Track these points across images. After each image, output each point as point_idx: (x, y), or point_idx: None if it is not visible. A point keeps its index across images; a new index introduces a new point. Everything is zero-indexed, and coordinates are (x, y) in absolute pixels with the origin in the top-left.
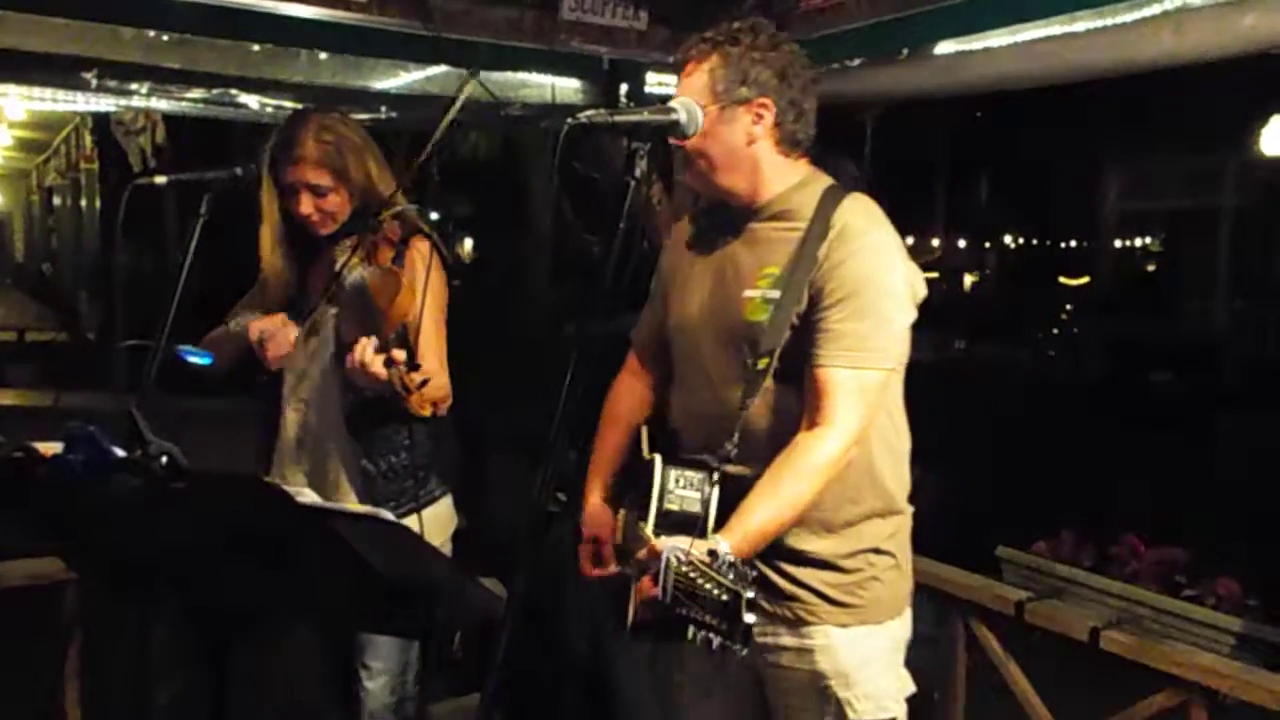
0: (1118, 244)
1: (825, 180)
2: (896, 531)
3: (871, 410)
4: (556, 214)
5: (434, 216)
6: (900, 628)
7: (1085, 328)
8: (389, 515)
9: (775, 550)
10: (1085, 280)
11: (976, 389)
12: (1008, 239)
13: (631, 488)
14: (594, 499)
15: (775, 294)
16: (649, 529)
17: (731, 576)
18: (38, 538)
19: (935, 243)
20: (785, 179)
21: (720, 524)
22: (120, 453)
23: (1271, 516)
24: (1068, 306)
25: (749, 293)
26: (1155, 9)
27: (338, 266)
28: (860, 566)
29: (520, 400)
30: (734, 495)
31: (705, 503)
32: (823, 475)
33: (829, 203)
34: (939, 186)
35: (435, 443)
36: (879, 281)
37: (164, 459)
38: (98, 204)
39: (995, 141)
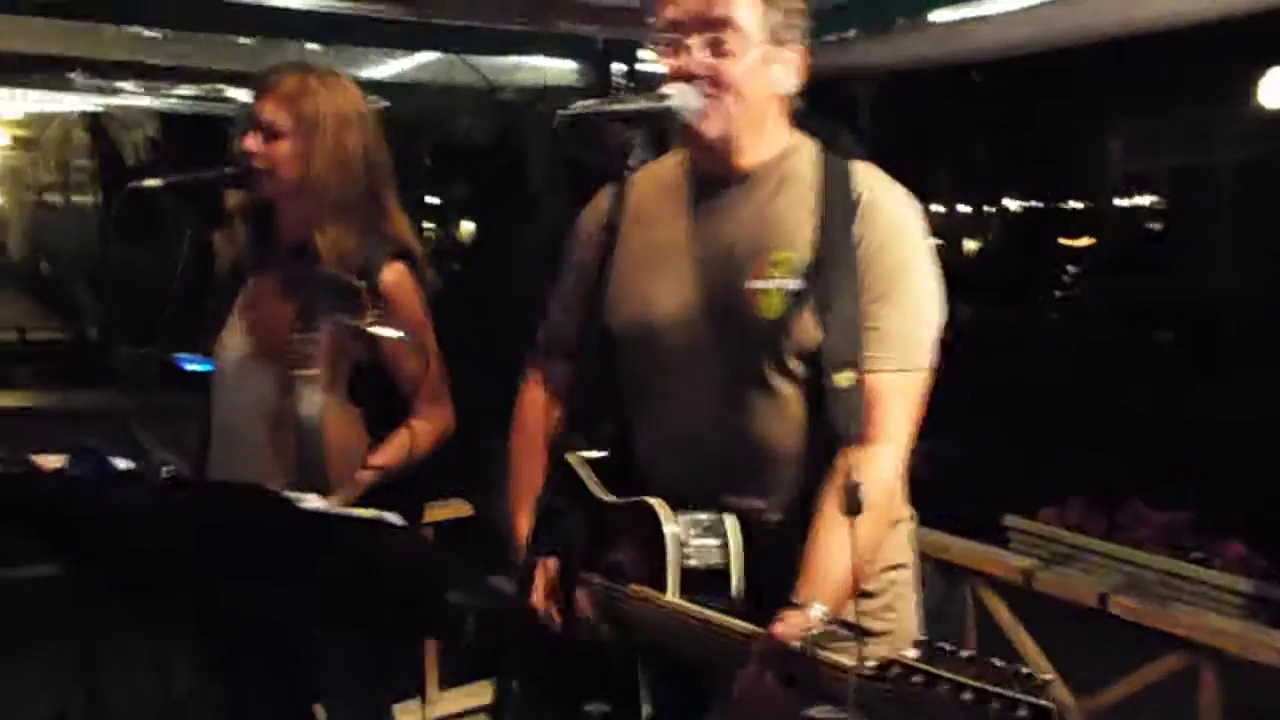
0: (1120, 203)
1: (810, 142)
2: (907, 538)
3: (919, 416)
4: (555, 196)
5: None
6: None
7: (1089, 289)
8: (396, 519)
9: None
10: (1088, 241)
11: (980, 354)
12: (1009, 202)
13: (555, 528)
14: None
15: (796, 284)
16: (670, 595)
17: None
18: (43, 553)
19: (936, 206)
20: (780, 140)
21: (749, 571)
22: (123, 465)
23: (1277, 476)
24: (1070, 268)
25: (758, 284)
26: None
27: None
28: (884, 587)
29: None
30: (757, 533)
31: (726, 549)
32: (896, 499)
33: (836, 170)
34: (939, 151)
35: None
36: (920, 267)
37: (165, 470)
38: (93, 200)
39: (994, 103)
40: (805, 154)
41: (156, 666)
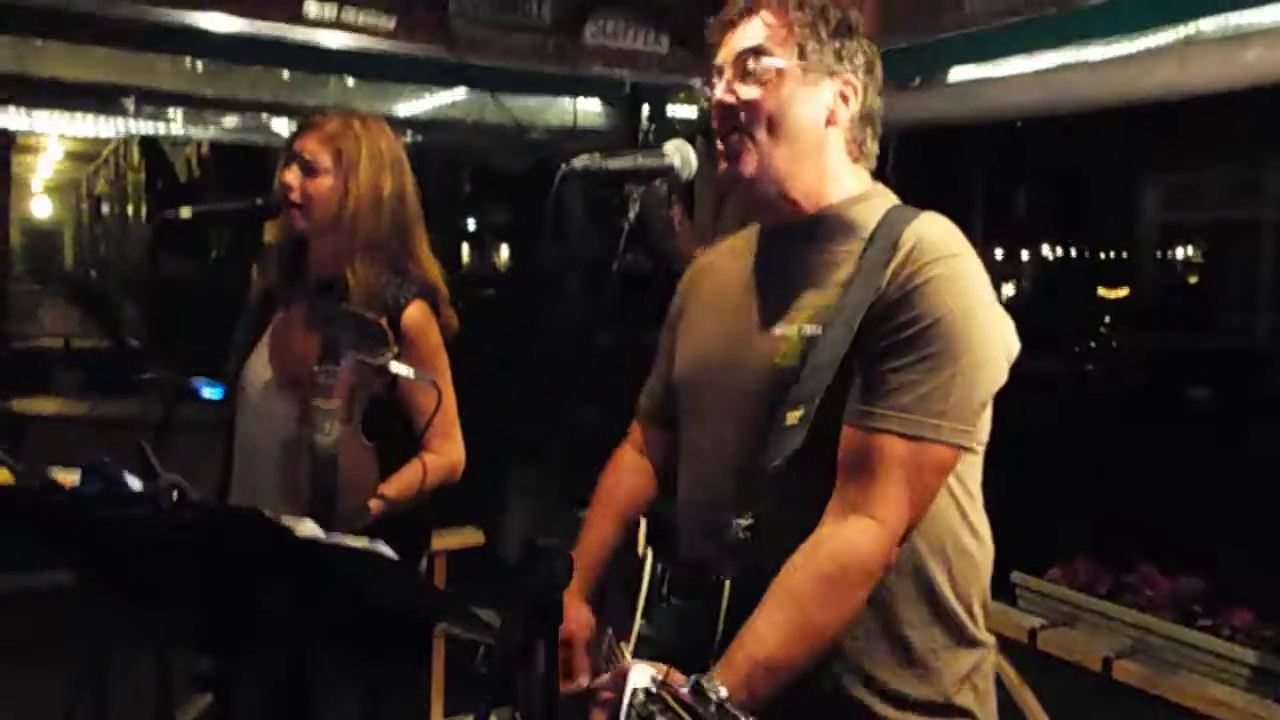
0: (1158, 255)
1: (891, 197)
2: (973, 673)
3: (927, 501)
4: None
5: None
6: None
7: (1124, 340)
8: (387, 550)
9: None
10: (1124, 292)
11: (1008, 402)
12: (1045, 250)
13: (616, 593)
14: (571, 595)
15: (816, 330)
16: (630, 649)
17: None
18: (57, 564)
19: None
20: (847, 185)
21: (727, 645)
22: (135, 484)
23: None
24: (1106, 319)
25: (782, 329)
26: (1163, 38)
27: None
28: None
29: (550, 411)
30: (747, 605)
31: (710, 616)
32: (862, 587)
33: (897, 218)
34: (975, 196)
35: None
36: (964, 319)
37: (173, 492)
38: (144, 212)
39: (1033, 151)
40: (875, 204)
41: (160, 678)
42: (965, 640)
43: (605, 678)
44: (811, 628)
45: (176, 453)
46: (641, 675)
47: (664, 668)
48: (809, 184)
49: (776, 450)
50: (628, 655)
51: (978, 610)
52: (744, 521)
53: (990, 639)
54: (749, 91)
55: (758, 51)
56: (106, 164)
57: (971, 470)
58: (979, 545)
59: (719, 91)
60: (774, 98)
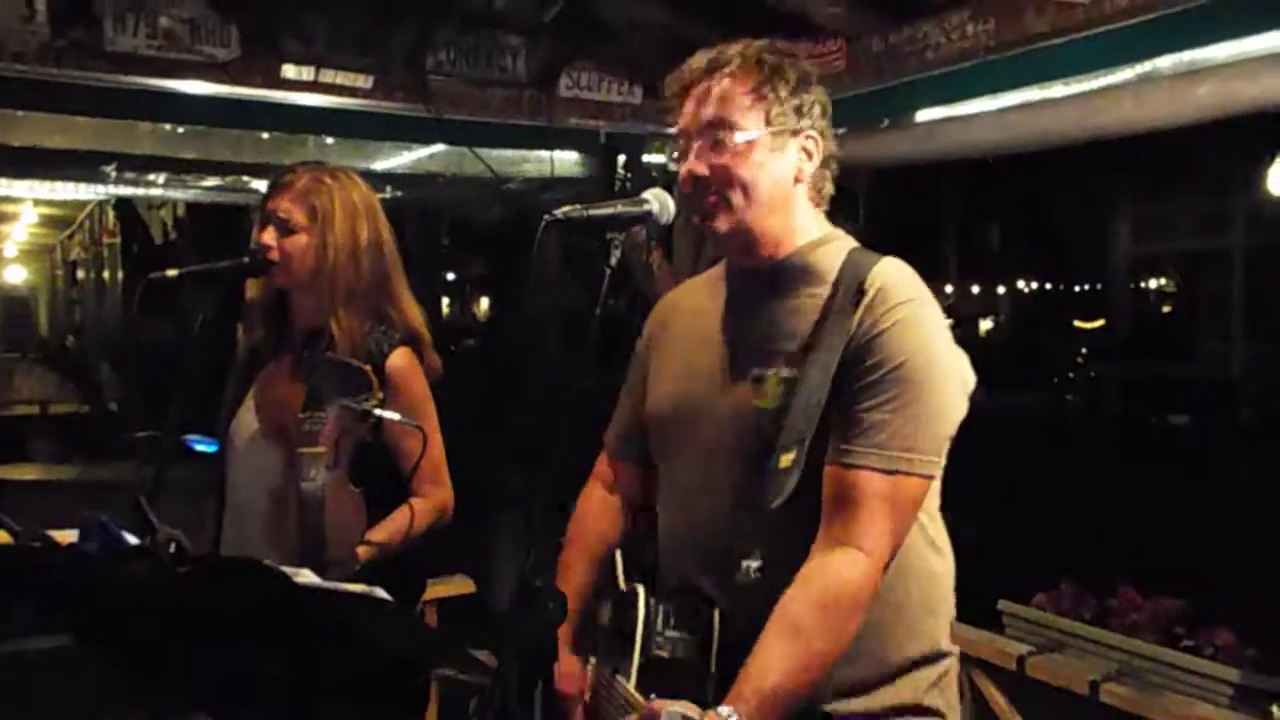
0: (1132, 286)
1: (849, 240)
2: (941, 679)
3: (905, 530)
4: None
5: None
6: None
7: (1101, 371)
8: (383, 594)
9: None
10: (1100, 323)
11: (990, 434)
12: (1021, 284)
13: (603, 629)
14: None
15: (792, 373)
16: (632, 683)
17: None
18: (56, 623)
19: (948, 289)
20: (809, 231)
21: (725, 674)
22: (132, 540)
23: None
24: (1083, 350)
25: (759, 371)
26: (1120, 76)
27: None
28: None
29: (533, 459)
30: (742, 635)
31: (705, 646)
32: (854, 616)
33: (859, 263)
34: (950, 232)
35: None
36: (927, 361)
37: (171, 546)
38: (120, 276)
39: (1007, 186)
40: (835, 248)
41: None
42: (936, 653)
43: (633, 718)
44: (813, 657)
45: (168, 513)
46: (672, 717)
47: (695, 709)
48: (777, 234)
49: (774, 492)
50: (634, 692)
51: (944, 623)
52: (754, 563)
53: (955, 649)
54: (721, 160)
55: (726, 125)
56: (81, 229)
57: (932, 493)
58: (942, 560)
59: (691, 161)
60: (745, 166)
